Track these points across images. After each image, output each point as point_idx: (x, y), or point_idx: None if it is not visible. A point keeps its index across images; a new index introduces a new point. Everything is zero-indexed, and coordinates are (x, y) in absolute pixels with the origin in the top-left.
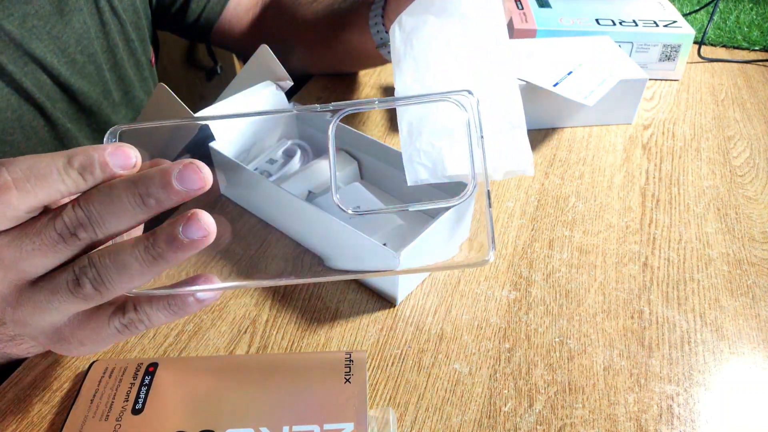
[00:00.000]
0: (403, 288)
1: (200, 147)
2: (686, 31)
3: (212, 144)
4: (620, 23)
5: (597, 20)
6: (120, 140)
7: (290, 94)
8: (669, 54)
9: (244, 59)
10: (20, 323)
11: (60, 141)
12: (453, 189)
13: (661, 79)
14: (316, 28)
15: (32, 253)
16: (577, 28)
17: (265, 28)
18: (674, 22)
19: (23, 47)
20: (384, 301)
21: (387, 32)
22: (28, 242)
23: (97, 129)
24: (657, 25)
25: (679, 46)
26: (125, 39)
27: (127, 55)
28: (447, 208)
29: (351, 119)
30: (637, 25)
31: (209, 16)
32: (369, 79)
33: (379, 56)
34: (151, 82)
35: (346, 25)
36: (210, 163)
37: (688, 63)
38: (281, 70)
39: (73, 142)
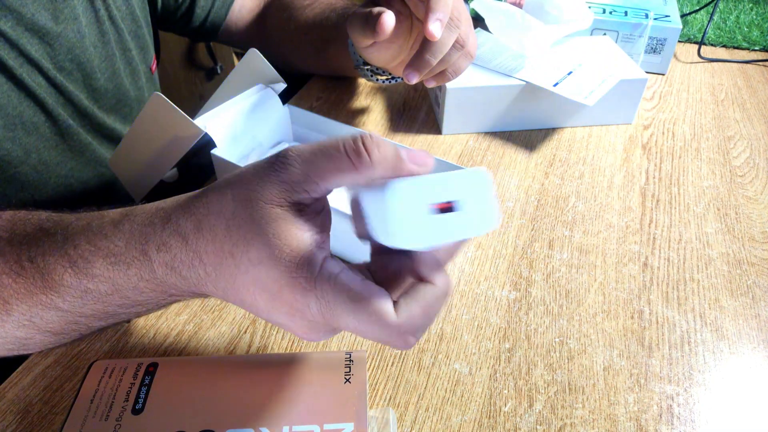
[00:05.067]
0: None
1: (202, 154)
2: (673, 25)
3: (214, 151)
4: (611, 12)
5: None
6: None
7: (290, 93)
8: (654, 47)
9: None
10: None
11: (61, 137)
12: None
13: (648, 72)
14: (307, 36)
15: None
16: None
17: (266, 28)
18: (667, 16)
19: (18, 48)
20: None
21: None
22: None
23: (93, 129)
24: (646, 17)
25: (665, 39)
26: (122, 48)
27: (124, 65)
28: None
29: (342, 114)
30: (626, 15)
31: (215, 20)
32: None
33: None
34: (146, 91)
35: (330, 39)
36: (212, 170)
37: (688, 63)
38: (273, 73)
39: (75, 138)
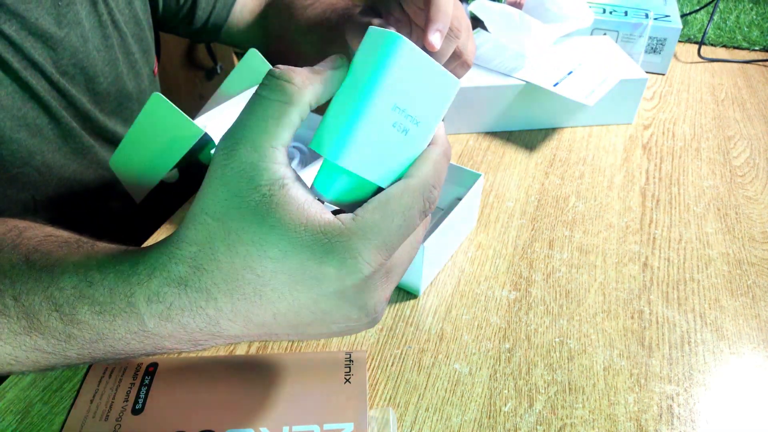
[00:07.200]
0: (426, 277)
1: (202, 154)
2: (673, 25)
3: (214, 151)
4: (611, 12)
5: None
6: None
7: None
8: (654, 47)
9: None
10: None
11: (64, 139)
12: (463, 180)
13: (648, 72)
14: (307, 37)
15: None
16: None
17: (266, 28)
18: (667, 16)
19: (22, 51)
20: None
21: None
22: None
23: (95, 132)
24: (646, 17)
25: (665, 39)
26: (126, 52)
27: (127, 68)
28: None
29: None
30: (626, 15)
31: (216, 21)
32: None
33: None
34: (148, 94)
35: (331, 40)
36: None
37: (689, 63)
38: None
39: (77, 140)
